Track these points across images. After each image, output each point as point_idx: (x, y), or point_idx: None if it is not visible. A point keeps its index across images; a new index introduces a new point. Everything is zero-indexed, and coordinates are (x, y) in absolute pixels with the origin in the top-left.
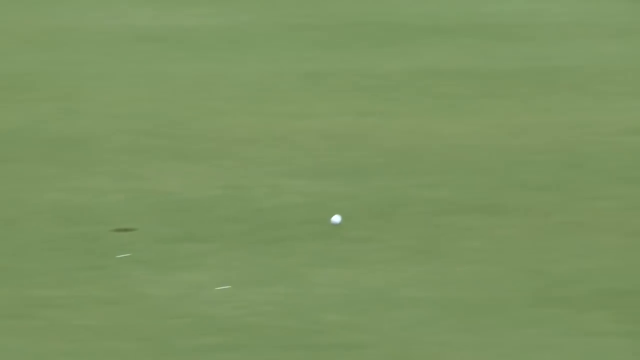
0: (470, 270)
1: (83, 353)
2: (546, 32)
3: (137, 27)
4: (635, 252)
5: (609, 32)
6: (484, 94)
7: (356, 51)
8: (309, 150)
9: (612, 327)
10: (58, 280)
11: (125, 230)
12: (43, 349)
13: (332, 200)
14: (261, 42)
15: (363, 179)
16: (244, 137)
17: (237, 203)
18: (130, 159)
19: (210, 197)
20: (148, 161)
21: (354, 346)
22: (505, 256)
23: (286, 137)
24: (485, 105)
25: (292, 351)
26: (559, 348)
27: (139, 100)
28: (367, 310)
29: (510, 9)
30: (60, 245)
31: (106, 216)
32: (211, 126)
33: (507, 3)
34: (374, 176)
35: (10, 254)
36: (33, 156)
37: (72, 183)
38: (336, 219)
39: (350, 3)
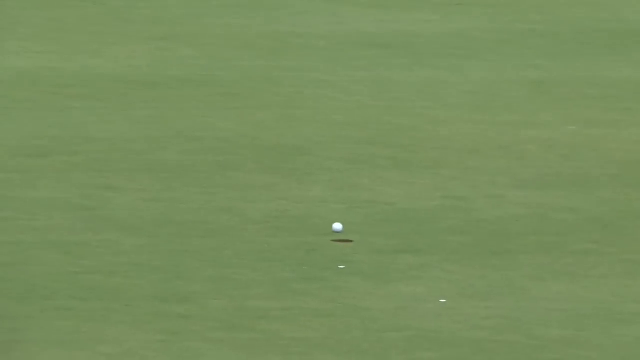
0: None
1: None
2: None
3: (360, 32)
4: None
5: None
6: None
7: (584, 59)
8: (533, 161)
9: None
10: (274, 292)
11: (343, 241)
12: None
13: (556, 212)
14: (486, 49)
15: (589, 190)
16: (467, 147)
17: (458, 214)
18: (350, 167)
19: (431, 208)
20: (368, 170)
21: None
22: None
23: (510, 147)
24: None
25: None
26: None
27: (360, 108)
28: (591, 326)
29: None
30: (277, 256)
31: (324, 227)
32: (433, 135)
33: None
34: (600, 188)
35: (227, 264)
36: (251, 164)
37: (290, 192)
38: (337, 226)
39: (578, 9)
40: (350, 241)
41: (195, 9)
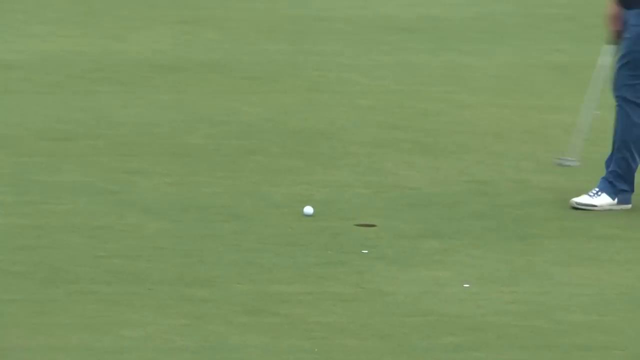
0: None
1: (321, 350)
2: None
3: (385, 16)
4: None
5: None
6: None
7: None
8: (558, 145)
9: None
10: (297, 276)
11: (367, 225)
12: (282, 345)
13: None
14: (511, 34)
15: None
16: (492, 131)
17: (482, 199)
18: (375, 152)
19: (455, 192)
20: (392, 155)
21: (600, 347)
22: None
23: (535, 132)
24: None
25: (536, 352)
26: None
27: (384, 92)
28: (615, 311)
29: None
30: (300, 240)
31: (347, 211)
32: (458, 119)
33: None
34: None
35: (250, 248)
36: (276, 149)
37: (314, 177)
38: (308, 210)
39: None
40: (374, 225)
41: None
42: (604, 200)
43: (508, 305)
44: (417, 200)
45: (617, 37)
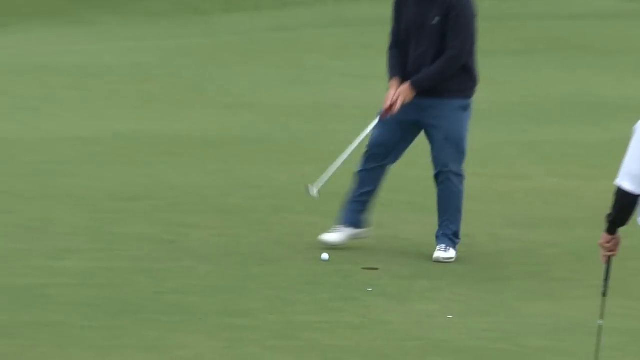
0: None
1: None
2: None
3: None
4: None
5: None
6: None
7: (564, 125)
8: (523, 206)
9: None
10: (316, 309)
11: (371, 268)
12: None
13: (542, 247)
14: (485, 117)
15: (567, 230)
16: (470, 195)
17: (462, 248)
18: (377, 210)
19: None
20: (391, 213)
21: None
22: None
23: (504, 195)
24: None
25: None
26: None
27: None
28: (567, 337)
29: None
30: (319, 280)
31: (356, 257)
32: None
33: None
34: (577, 228)
35: (279, 286)
36: (300, 208)
37: (329, 230)
38: (325, 256)
39: (562, 87)
40: (377, 269)
41: (256, 83)
42: (453, 252)
43: (482, 333)
44: (411, 249)
45: (385, 114)
